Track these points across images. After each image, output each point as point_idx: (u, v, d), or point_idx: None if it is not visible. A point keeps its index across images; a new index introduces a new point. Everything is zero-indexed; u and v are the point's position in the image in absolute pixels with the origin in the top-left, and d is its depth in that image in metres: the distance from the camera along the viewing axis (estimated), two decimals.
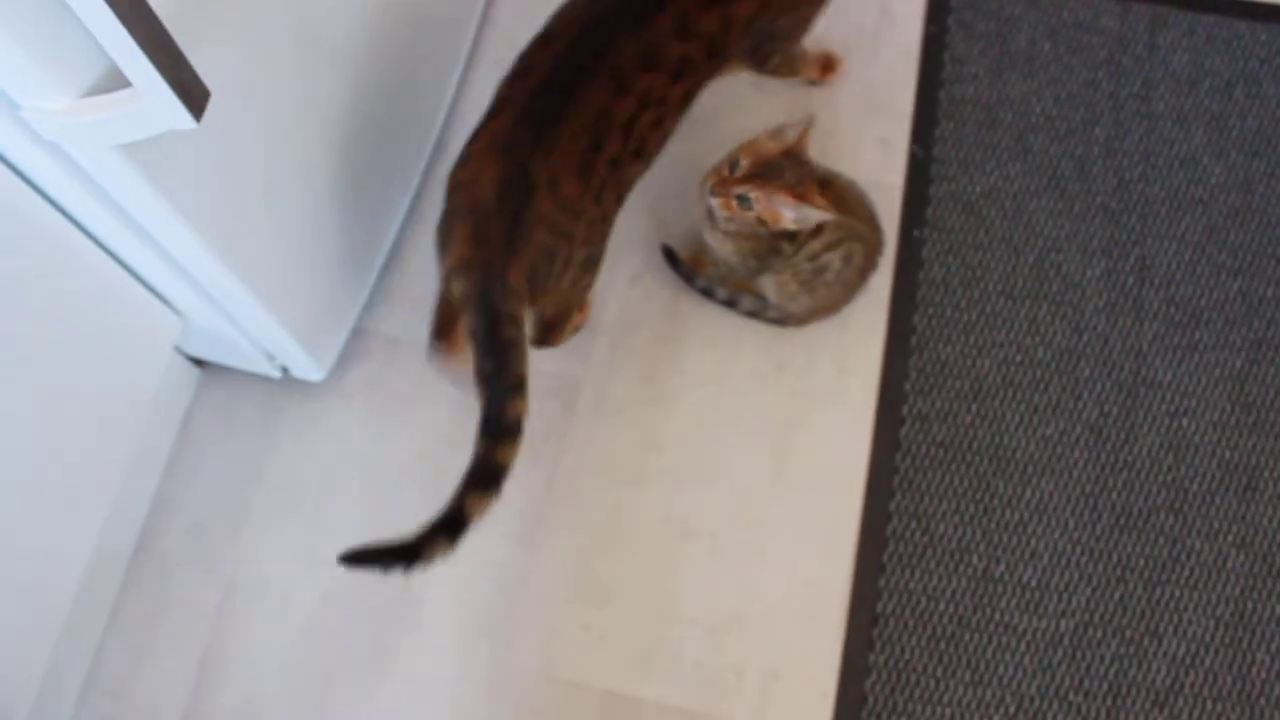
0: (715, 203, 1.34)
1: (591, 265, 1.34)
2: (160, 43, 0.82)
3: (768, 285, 1.47)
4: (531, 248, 1.18)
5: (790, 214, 1.31)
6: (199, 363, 1.54)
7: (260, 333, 1.36)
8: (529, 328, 1.25)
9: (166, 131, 0.89)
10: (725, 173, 1.33)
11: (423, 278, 1.60)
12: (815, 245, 1.39)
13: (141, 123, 0.88)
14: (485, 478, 1.17)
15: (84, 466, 1.28)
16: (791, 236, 1.38)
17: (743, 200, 1.32)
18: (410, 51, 1.48)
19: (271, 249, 1.26)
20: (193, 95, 0.87)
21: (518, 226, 1.17)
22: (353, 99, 1.34)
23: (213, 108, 0.90)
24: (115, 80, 0.88)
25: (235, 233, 1.17)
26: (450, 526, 1.15)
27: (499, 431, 1.18)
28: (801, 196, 1.30)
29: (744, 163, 1.32)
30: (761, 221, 1.33)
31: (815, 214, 1.30)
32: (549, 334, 1.45)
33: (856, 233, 1.42)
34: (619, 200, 1.31)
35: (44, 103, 0.87)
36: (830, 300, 1.49)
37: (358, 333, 1.56)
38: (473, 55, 1.72)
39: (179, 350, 1.48)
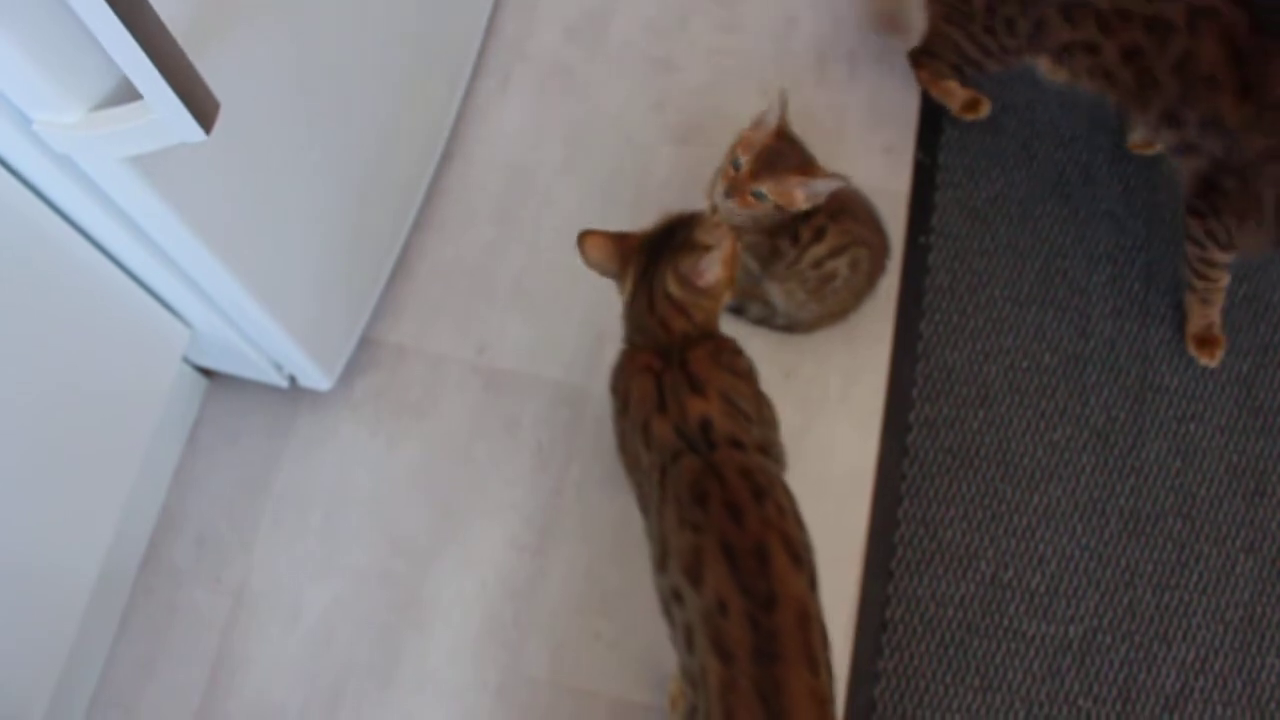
0: (732, 203, 1.35)
1: None
2: (171, 56, 0.83)
3: (775, 293, 1.47)
4: None
5: (802, 192, 1.33)
6: (207, 373, 1.54)
7: (268, 342, 1.37)
8: None
9: (176, 144, 0.89)
10: (732, 174, 1.34)
11: (430, 286, 1.60)
12: (819, 250, 1.40)
13: (152, 135, 0.89)
14: None
15: (92, 476, 1.28)
16: (795, 238, 1.39)
17: (758, 195, 1.33)
18: (417, 63, 1.48)
19: (279, 259, 1.27)
20: (203, 108, 0.87)
21: None
22: (360, 110, 1.34)
23: (222, 120, 0.91)
24: (126, 93, 0.88)
25: (243, 243, 1.18)
26: None
27: None
28: (807, 173, 1.33)
29: (744, 159, 1.33)
30: (778, 208, 1.34)
31: (824, 184, 1.33)
32: None
33: (861, 238, 1.42)
34: None
35: (55, 116, 0.88)
36: (839, 307, 1.50)
37: (365, 342, 1.56)
38: (478, 66, 1.72)
39: (187, 360, 1.48)
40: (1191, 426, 1.50)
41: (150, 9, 0.79)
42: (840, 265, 1.41)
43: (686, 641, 1.08)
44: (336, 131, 1.30)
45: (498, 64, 1.73)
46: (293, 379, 1.49)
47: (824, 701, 1.03)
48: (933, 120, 1.68)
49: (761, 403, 1.23)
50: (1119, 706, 1.38)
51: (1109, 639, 1.41)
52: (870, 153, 1.66)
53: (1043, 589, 1.43)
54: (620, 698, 1.39)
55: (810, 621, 1.05)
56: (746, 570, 1.04)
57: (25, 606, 1.22)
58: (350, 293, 1.48)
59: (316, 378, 1.46)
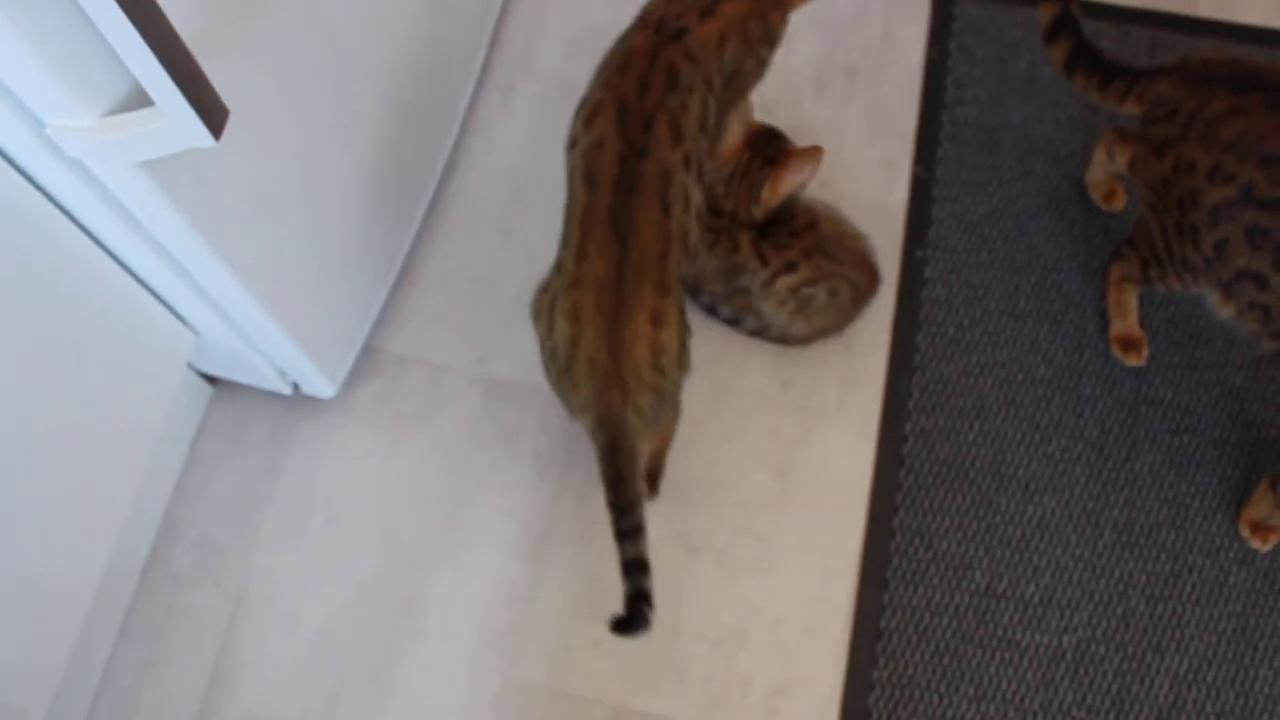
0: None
1: None
2: (182, 63, 0.84)
3: (764, 308, 1.49)
4: None
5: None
6: (210, 379, 1.56)
7: (273, 349, 1.38)
8: None
9: (187, 150, 0.91)
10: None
11: (433, 295, 1.62)
12: (792, 279, 1.43)
13: (163, 141, 0.91)
14: None
15: (97, 481, 1.29)
16: (763, 261, 1.43)
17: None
18: (422, 73, 1.50)
19: (286, 266, 1.28)
20: (213, 114, 0.89)
21: None
22: (366, 119, 1.36)
23: (231, 127, 0.92)
24: (137, 99, 0.90)
25: (251, 250, 1.19)
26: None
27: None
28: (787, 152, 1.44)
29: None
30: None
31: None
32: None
33: (835, 274, 1.45)
34: None
35: (69, 121, 0.90)
36: (830, 323, 1.51)
37: (368, 350, 1.57)
38: (482, 78, 1.74)
39: (192, 367, 1.49)
40: (1185, 439, 1.52)
41: (164, 16, 0.81)
42: (818, 292, 1.44)
43: (569, 181, 1.22)
44: (343, 140, 1.32)
45: (501, 77, 1.75)
46: (296, 386, 1.51)
47: (669, 238, 1.17)
48: (930, 135, 1.70)
49: None
50: (1112, 717, 1.39)
51: (1103, 649, 1.42)
52: (868, 167, 1.68)
53: (1037, 599, 1.44)
54: (619, 705, 1.40)
55: (671, 179, 1.18)
56: (631, 126, 1.18)
57: (28, 608, 1.23)
58: (354, 300, 1.49)
59: (320, 385, 1.48)
